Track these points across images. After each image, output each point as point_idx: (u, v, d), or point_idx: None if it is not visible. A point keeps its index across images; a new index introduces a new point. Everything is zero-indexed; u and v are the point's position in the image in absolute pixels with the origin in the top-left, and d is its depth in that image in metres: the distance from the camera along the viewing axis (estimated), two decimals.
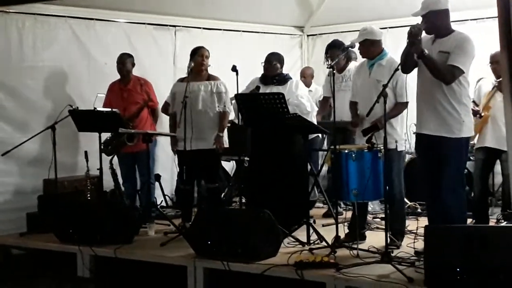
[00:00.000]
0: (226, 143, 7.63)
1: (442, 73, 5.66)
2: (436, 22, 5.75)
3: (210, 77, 7.57)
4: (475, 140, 7.28)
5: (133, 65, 8.11)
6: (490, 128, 7.13)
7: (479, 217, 7.17)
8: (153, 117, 8.19)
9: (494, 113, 7.11)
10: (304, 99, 7.38)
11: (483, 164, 7.21)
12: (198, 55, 7.50)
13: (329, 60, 8.08)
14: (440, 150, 5.80)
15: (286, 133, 7.07)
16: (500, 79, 7.04)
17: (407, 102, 6.48)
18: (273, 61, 7.44)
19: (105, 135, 7.69)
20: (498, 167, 7.50)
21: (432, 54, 5.73)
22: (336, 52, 7.74)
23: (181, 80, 7.71)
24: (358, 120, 6.67)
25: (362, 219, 6.78)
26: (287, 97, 7.03)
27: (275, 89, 7.25)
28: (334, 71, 6.82)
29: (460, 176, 5.91)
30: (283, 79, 7.42)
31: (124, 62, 8.04)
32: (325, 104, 8.37)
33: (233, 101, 7.58)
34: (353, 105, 6.93)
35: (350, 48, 7.12)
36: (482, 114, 7.12)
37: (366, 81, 6.63)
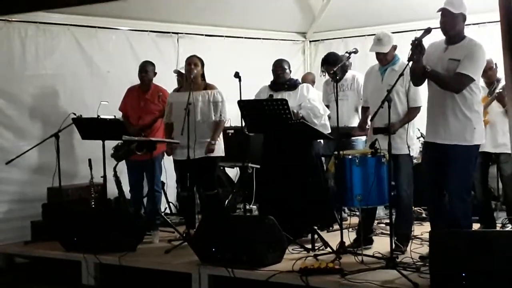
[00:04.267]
0: (222, 152, 7.59)
1: (450, 84, 5.62)
2: (459, 25, 5.70)
3: (207, 86, 7.52)
4: None
5: (155, 74, 8.06)
6: (489, 133, 7.06)
7: (486, 221, 7.15)
8: None
9: (493, 118, 7.14)
10: (317, 102, 7.36)
11: (481, 168, 7.21)
12: (186, 63, 7.49)
13: (325, 74, 8.15)
14: (450, 158, 5.72)
15: (298, 141, 7.01)
16: (495, 85, 7.13)
17: (420, 107, 6.48)
18: (285, 66, 7.42)
19: (108, 143, 7.66)
20: (493, 171, 7.57)
21: (444, 61, 5.70)
22: (330, 67, 7.74)
23: (177, 90, 7.72)
24: (365, 124, 6.66)
25: (370, 223, 6.77)
26: (299, 102, 7.03)
27: (286, 95, 7.21)
28: (337, 77, 6.80)
29: (468, 183, 5.88)
30: (294, 84, 7.40)
31: (147, 70, 7.97)
32: None
33: None
34: (364, 111, 6.92)
35: (353, 53, 7.11)
36: (484, 119, 7.10)
37: (379, 87, 6.56)
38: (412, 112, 6.52)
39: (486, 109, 7.10)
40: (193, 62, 7.45)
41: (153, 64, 8.08)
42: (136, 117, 7.95)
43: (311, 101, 7.31)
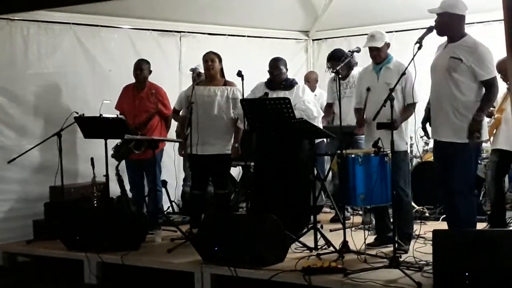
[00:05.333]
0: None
1: (492, 98, 5.86)
2: (449, 24, 5.75)
3: (227, 83, 7.50)
4: (489, 143, 7.22)
5: (150, 72, 8.05)
6: (504, 130, 6.97)
7: (495, 222, 7.04)
8: (166, 125, 8.13)
9: (508, 115, 7.03)
10: (311, 104, 7.35)
11: (497, 167, 7.10)
12: (203, 61, 7.48)
13: (331, 70, 8.11)
14: (451, 155, 5.76)
15: (292, 138, 7.03)
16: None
17: (415, 103, 6.48)
18: (281, 66, 7.41)
19: (110, 141, 7.65)
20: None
21: (445, 59, 5.74)
22: (336, 63, 7.71)
23: (197, 84, 7.66)
24: (364, 121, 6.64)
25: (383, 223, 6.75)
26: (293, 102, 6.99)
27: (281, 94, 7.21)
28: (339, 76, 6.79)
29: (470, 182, 5.87)
30: (290, 84, 7.40)
31: (142, 68, 7.95)
32: (329, 110, 8.37)
33: None
34: (358, 112, 6.89)
35: (355, 52, 7.10)
36: (495, 116, 7.04)
37: (375, 86, 6.58)
38: (409, 108, 6.52)
39: (502, 106, 7.04)
40: (210, 58, 7.44)
41: (148, 62, 8.06)
42: (131, 116, 7.92)
43: (306, 102, 7.29)
